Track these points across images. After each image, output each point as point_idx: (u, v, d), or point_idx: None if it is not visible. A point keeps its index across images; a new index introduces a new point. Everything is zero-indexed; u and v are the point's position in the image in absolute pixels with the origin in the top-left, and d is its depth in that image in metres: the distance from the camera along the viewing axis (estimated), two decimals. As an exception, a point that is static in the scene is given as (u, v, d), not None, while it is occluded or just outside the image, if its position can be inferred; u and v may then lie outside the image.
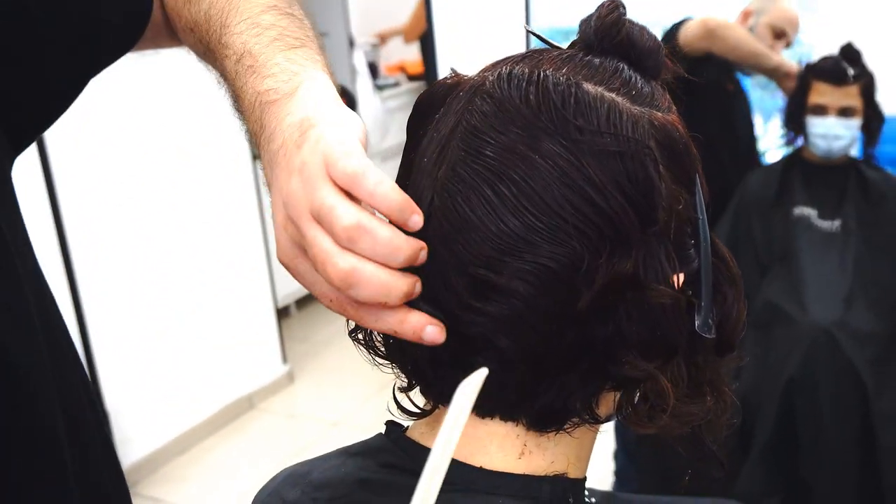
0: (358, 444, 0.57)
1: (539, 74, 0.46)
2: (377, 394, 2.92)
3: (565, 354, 0.46)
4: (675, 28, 1.96)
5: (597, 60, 0.50)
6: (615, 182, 0.44)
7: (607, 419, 0.52)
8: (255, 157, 3.05)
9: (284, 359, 3.27)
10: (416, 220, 0.44)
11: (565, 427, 0.50)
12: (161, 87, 2.57)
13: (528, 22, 2.70)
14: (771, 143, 4.02)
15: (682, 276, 0.49)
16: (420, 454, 0.51)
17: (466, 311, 0.46)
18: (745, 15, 2.16)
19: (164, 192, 2.63)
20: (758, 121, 4.14)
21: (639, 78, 0.50)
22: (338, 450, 0.58)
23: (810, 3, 2.78)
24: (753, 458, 1.75)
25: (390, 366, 0.54)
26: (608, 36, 0.51)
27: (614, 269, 0.44)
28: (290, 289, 3.77)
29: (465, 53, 2.85)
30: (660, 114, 0.49)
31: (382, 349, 0.53)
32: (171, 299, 2.69)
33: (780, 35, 2.12)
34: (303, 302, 4.02)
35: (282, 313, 3.59)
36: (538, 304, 0.44)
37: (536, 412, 0.49)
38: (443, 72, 3.86)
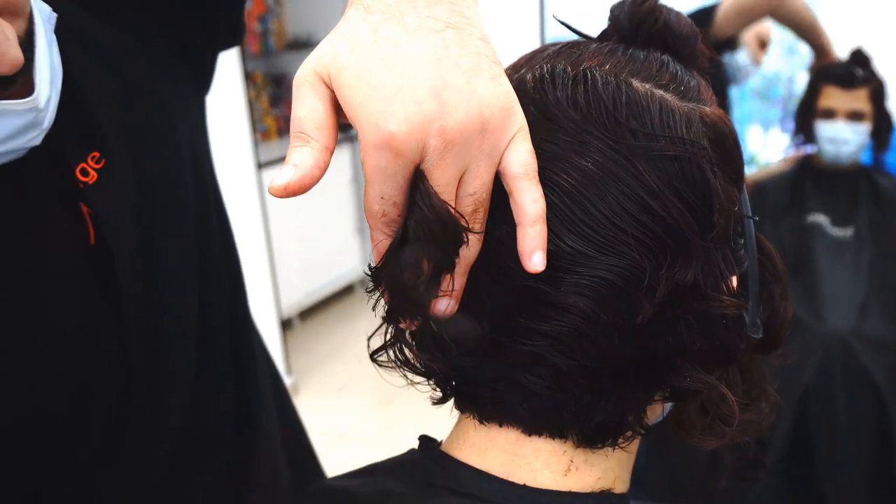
0: (390, 460, 0.54)
1: (587, 73, 0.44)
2: (382, 406, 2.90)
3: (625, 368, 0.44)
4: (707, 11, 1.94)
5: (641, 54, 0.47)
6: (673, 187, 0.42)
7: (652, 426, 0.50)
8: (259, 165, 3.04)
9: (288, 371, 3.25)
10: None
11: (619, 442, 0.47)
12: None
13: (541, 15, 2.68)
14: (771, 152, 4.04)
15: (735, 279, 0.47)
16: (458, 471, 0.49)
17: (519, 331, 0.43)
18: None
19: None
20: (757, 130, 4.16)
21: (685, 71, 0.48)
22: (368, 466, 0.55)
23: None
24: (769, 468, 1.73)
25: (404, 376, 0.50)
26: (645, 23, 0.48)
27: (675, 279, 0.42)
28: (294, 300, 3.76)
29: None
30: (709, 109, 0.46)
31: (419, 366, 0.50)
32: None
33: (763, 45, 2.25)
34: (306, 314, 4.00)
35: (285, 325, 3.58)
36: (598, 319, 0.42)
37: (592, 428, 0.46)
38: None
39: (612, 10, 0.51)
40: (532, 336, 0.43)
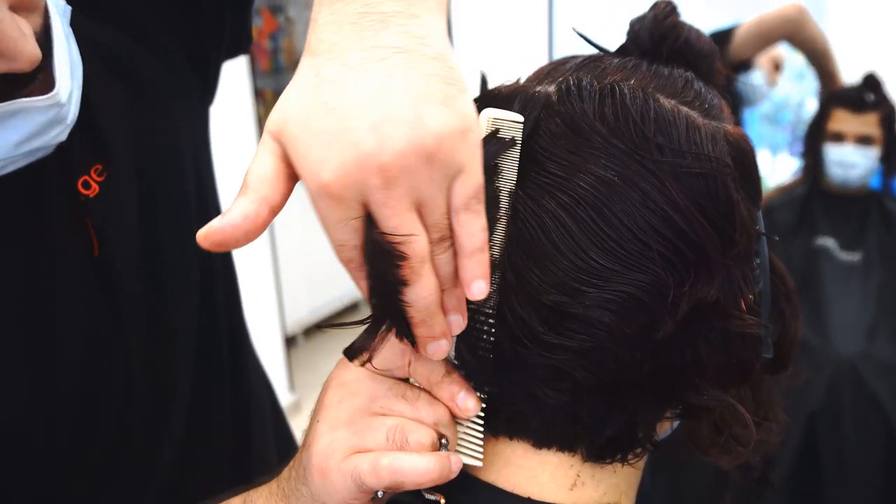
0: None
1: (614, 87, 0.43)
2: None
3: (642, 383, 0.43)
4: (724, 34, 1.96)
5: (665, 70, 0.47)
6: (698, 204, 0.42)
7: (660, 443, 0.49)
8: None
9: (292, 387, 3.23)
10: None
11: (628, 458, 0.47)
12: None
13: (550, 29, 2.68)
14: (780, 176, 4.04)
15: (751, 298, 0.46)
16: (463, 483, 0.48)
17: (540, 345, 0.42)
18: None
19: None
20: (766, 154, 4.17)
21: (707, 89, 0.48)
22: None
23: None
24: (776, 489, 1.71)
25: None
26: (667, 39, 0.48)
27: (698, 296, 0.42)
28: (299, 316, 3.75)
29: (487, 55, 2.82)
30: (731, 127, 0.46)
31: None
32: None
33: (778, 67, 2.27)
34: (311, 331, 3.99)
35: (290, 342, 3.56)
36: (621, 334, 0.41)
37: (604, 443, 0.46)
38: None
39: (632, 25, 0.51)
40: (554, 350, 0.42)
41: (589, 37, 0.52)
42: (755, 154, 0.47)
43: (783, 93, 3.93)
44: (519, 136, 0.42)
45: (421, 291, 0.39)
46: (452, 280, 0.41)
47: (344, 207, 0.37)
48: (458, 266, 0.40)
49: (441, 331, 0.41)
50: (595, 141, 0.42)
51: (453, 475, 0.44)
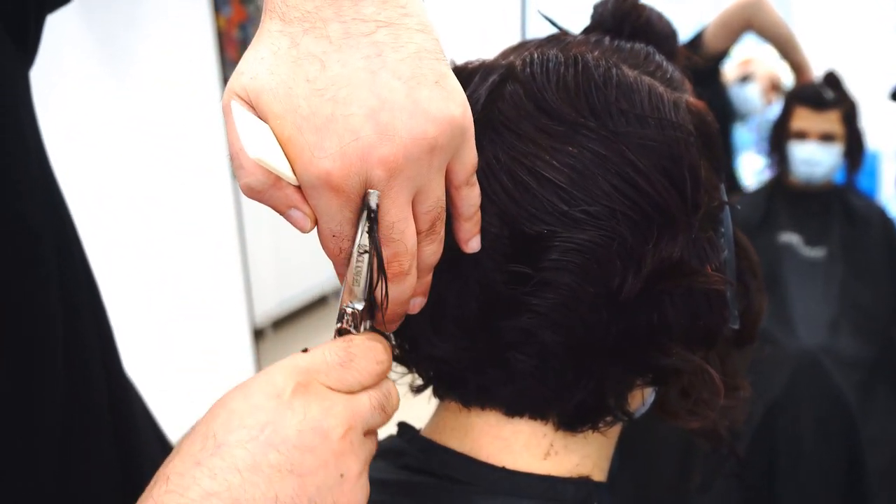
0: None
1: (577, 57, 0.44)
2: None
3: (610, 346, 0.44)
4: (694, 40, 1.99)
5: (626, 45, 0.49)
6: (661, 167, 0.43)
7: (636, 414, 0.50)
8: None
9: (259, 381, 3.21)
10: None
11: (599, 426, 0.48)
12: (135, 101, 2.54)
13: (523, 16, 2.69)
14: (745, 174, 4.11)
15: (717, 265, 0.47)
16: (437, 454, 0.49)
17: (508, 305, 0.43)
18: (745, 63, 2.32)
19: (136, 201, 2.59)
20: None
21: (668, 62, 0.49)
22: None
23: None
24: (726, 473, 1.73)
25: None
26: (629, 18, 0.50)
27: (661, 255, 0.43)
28: (267, 307, 3.73)
29: (458, 43, 2.83)
30: (692, 99, 0.48)
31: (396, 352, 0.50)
32: (138, 319, 2.62)
33: (776, 87, 2.34)
34: (280, 323, 3.97)
35: (258, 334, 3.54)
36: (585, 294, 0.42)
37: (572, 409, 0.47)
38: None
39: (596, 8, 0.52)
40: (522, 311, 0.43)
41: (554, 19, 0.53)
42: (717, 126, 0.48)
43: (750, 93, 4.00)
44: None
45: (409, 282, 0.40)
46: (430, 269, 0.42)
47: (343, 198, 0.36)
48: (456, 227, 0.42)
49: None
50: (560, 110, 0.43)
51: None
